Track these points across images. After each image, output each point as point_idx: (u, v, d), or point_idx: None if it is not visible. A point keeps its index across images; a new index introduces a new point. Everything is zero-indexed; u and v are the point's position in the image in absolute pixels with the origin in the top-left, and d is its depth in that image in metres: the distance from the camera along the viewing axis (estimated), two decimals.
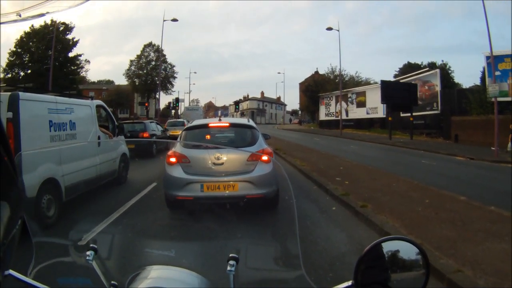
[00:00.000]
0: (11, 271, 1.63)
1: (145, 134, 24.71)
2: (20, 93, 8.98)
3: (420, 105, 42.95)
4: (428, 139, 39.01)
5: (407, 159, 23.99)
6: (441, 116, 40.30)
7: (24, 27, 58.72)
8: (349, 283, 1.67)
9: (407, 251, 1.69)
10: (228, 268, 1.93)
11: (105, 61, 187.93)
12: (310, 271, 5.27)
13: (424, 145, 32.20)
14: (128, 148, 15.01)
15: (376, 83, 60.85)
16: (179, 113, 79.47)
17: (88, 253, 2.03)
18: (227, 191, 8.90)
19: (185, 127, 10.94)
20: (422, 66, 66.77)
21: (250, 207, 9.27)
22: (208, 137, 10.20)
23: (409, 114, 41.26)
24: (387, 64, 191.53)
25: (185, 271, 2.09)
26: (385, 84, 44.25)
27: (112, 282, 2.00)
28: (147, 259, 4.19)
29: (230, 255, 1.99)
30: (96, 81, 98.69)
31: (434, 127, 40.77)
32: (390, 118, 42.10)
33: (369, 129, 54.71)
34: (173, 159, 9.26)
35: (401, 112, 45.08)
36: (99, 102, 13.61)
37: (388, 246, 1.70)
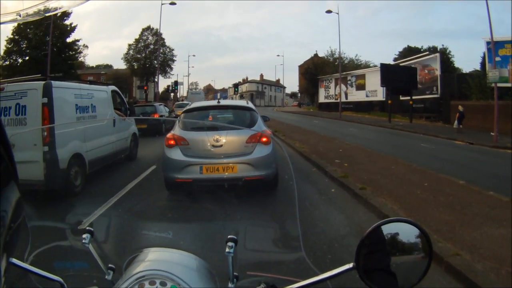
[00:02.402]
0: (12, 259, 1.59)
1: (156, 115, 27.39)
2: (53, 82, 10.50)
3: (420, 89, 42.79)
4: (427, 122, 38.94)
5: (407, 143, 23.98)
6: (441, 100, 40.18)
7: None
8: (350, 265, 1.63)
9: (409, 233, 1.66)
10: (227, 249, 1.87)
11: (103, 45, 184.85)
12: (309, 253, 5.23)
13: (424, 128, 32.12)
14: (141, 127, 17.51)
15: (375, 66, 60.51)
16: (178, 96, 79.50)
17: (84, 236, 2.00)
18: (226, 173, 8.93)
19: (183, 109, 11.02)
20: (422, 50, 66.32)
21: (250, 188, 9.22)
22: (210, 118, 10.32)
23: (408, 98, 41.16)
24: (387, 48, 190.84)
25: (183, 253, 2.08)
26: (384, 67, 44.09)
27: (109, 265, 2.02)
28: (144, 241, 4.01)
29: (229, 236, 1.93)
30: (94, 65, 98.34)
31: (433, 111, 40.65)
32: (389, 101, 42.06)
33: (368, 112, 54.72)
34: (172, 142, 9.30)
35: (400, 96, 44.88)
36: (114, 87, 15.19)
37: (390, 228, 1.66)
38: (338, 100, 57.65)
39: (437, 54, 44.85)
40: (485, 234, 6.70)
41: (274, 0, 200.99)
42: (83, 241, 1.98)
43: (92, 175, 11.55)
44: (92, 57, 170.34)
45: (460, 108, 30.84)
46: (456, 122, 30.54)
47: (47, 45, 50.97)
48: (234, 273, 1.88)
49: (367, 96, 59.25)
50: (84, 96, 12.01)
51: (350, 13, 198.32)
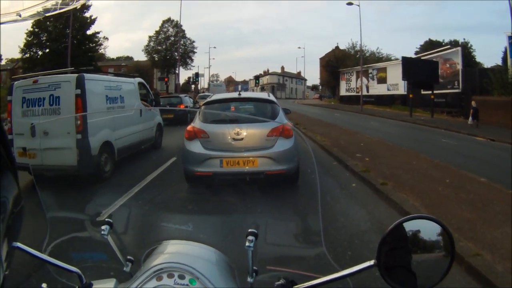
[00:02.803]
0: (19, 244, 1.62)
1: (182, 106, 29.45)
2: (85, 74, 11.33)
3: (441, 83, 42.34)
4: (449, 117, 38.54)
5: (428, 137, 23.81)
6: (462, 95, 39.58)
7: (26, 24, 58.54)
8: (371, 262, 1.62)
9: (432, 231, 1.63)
10: (247, 243, 1.86)
11: (125, 38, 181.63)
12: (329, 248, 4.89)
13: (445, 124, 31.82)
14: (168, 117, 18.09)
15: (397, 59, 60.05)
16: (199, 88, 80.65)
17: (103, 227, 2.02)
18: (246, 167, 8.82)
19: (204, 102, 11.10)
20: (443, 43, 65.59)
21: (271, 182, 9.08)
22: (232, 108, 10.24)
23: (430, 92, 40.59)
24: (408, 41, 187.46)
25: (202, 246, 2.07)
26: (406, 61, 43.82)
27: (128, 257, 2.03)
28: (163, 233, 4.16)
29: (249, 230, 1.91)
30: (115, 57, 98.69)
31: (455, 106, 40.16)
32: (411, 95, 41.75)
33: (389, 106, 54.26)
34: (192, 134, 9.22)
35: (422, 90, 44.41)
36: (140, 79, 16.05)
37: (412, 225, 1.63)
38: (360, 94, 57.45)
39: (459, 48, 44.38)
40: (506, 234, 6.61)
41: None
42: (102, 232, 2.01)
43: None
44: (113, 49, 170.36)
45: (473, 103, 31.09)
46: (470, 118, 30.45)
47: (67, 38, 51.47)
48: (254, 267, 1.87)
49: (388, 89, 58.74)
50: (113, 88, 12.77)
51: (371, 7, 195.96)
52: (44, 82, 11.09)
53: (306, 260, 3.36)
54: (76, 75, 11.15)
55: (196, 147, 9.07)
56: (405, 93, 51.00)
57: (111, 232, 2.04)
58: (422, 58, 48.68)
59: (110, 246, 2.02)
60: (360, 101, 53.44)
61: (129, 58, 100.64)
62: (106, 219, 2.06)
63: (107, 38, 71.15)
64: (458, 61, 42.41)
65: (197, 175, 9.09)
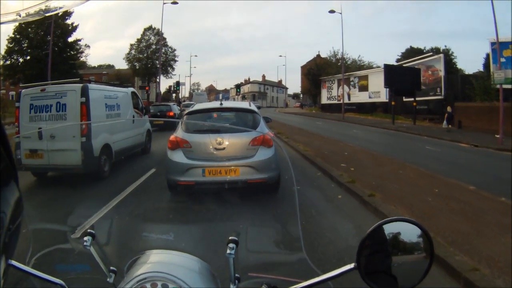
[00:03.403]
0: (11, 261, 1.56)
1: (171, 113, 32.18)
2: (88, 84, 12.80)
3: (423, 90, 42.30)
4: (431, 124, 38.50)
5: (412, 145, 23.69)
6: (445, 101, 39.28)
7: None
8: (351, 265, 1.64)
9: (411, 232, 1.67)
10: (228, 251, 1.85)
11: (106, 46, 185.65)
12: (318, 265, 5.05)
13: (428, 130, 31.83)
14: (158, 123, 23.21)
15: (378, 67, 60.20)
16: (180, 97, 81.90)
17: (85, 238, 1.99)
18: (228, 176, 8.98)
19: (186, 112, 11.18)
20: (425, 51, 66.06)
21: (251, 190, 9.31)
22: (215, 116, 10.66)
23: (412, 99, 40.54)
24: (390, 49, 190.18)
25: (184, 255, 2.06)
26: (388, 68, 43.42)
27: (111, 267, 1.98)
28: (146, 243, 3.71)
29: (230, 238, 1.90)
30: (96, 65, 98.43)
31: (437, 113, 39.78)
32: (393, 103, 41.52)
33: (371, 113, 54.22)
34: (174, 144, 9.36)
35: (404, 97, 44.42)
36: (133, 89, 17.62)
37: (391, 228, 1.66)
38: (341, 102, 57.51)
39: (441, 55, 44.36)
40: (502, 244, 6.32)
41: (277, 0, 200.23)
42: (85, 243, 1.97)
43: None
44: (95, 57, 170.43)
45: (449, 109, 33.36)
46: (445, 122, 32.82)
47: (48, 45, 50.94)
48: (236, 275, 1.87)
49: (370, 97, 58.56)
50: (111, 97, 14.22)
51: (353, 14, 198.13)
52: (51, 90, 12.33)
53: (288, 266, 3.74)
54: (81, 85, 12.46)
55: (178, 156, 9.24)
56: (387, 100, 50.87)
57: (94, 243, 2.02)
58: (404, 65, 48.59)
59: (93, 257, 1.99)
60: (341, 109, 53.47)
61: (110, 66, 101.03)
62: (88, 230, 2.04)
63: (88, 46, 71.05)
64: (441, 68, 42.41)
65: (180, 184, 9.27)
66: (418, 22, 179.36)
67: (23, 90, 12.73)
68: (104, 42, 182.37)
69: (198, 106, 11.32)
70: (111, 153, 13.31)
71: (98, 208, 8.09)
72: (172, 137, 9.55)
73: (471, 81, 36.59)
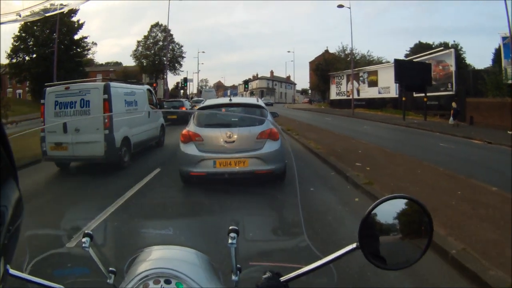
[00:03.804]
0: (10, 269, 1.56)
1: (183, 108, 34.10)
2: (110, 83, 13.94)
3: (434, 86, 41.64)
4: (442, 120, 37.80)
5: (425, 142, 23.16)
6: (456, 97, 38.24)
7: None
8: (354, 245, 1.64)
9: (410, 210, 1.66)
10: (230, 241, 1.83)
11: (113, 43, 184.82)
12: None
13: (439, 127, 31.25)
14: (172, 118, 23.32)
15: (388, 62, 59.60)
16: (188, 93, 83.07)
17: (83, 240, 1.92)
18: (238, 167, 9.63)
19: (198, 107, 12.71)
20: (433, 46, 65.52)
21: (257, 181, 9.98)
22: (223, 110, 11.35)
23: (422, 95, 40.01)
24: (397, 45, 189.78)
25: (184, 249, 2.05)
26: (398, 63, 42.85)
27: (110, 268, 1.93)
28: (144, 240, 4.20)
29: (230, 227, 1.87)
30: (104, 63, 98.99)
31: (448, 108, 38.85)
32: (404, 98, 41.00)
33: (381, 109, 53.37)
34: (187, 137, 10.04)
35: (414, 92, 43.86)
36: (148, 86, 19.64)
37: (391, 206, 1.65)
38: (350, 97, 57.13)
39: (452, 50, 43.92)
40: None
41: None
42: (83, 245, 1.91)
43: (90, 177, 12.94)
44: (102, 54, 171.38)
45: (454, 104, 33.01)
46: (451, 118, 32.62)
47: (54, 43, 50.86)
48: (237, 265, 1.84)
49: (379, 92, 57.97)
50: (129, 94, 15.54)
51: (360, 11, 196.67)
52: (75, 88, 13.57)
53: (288, 252, 3.62)
54: (103, 83, 13.68)
55: (191, 149, 9.90)
56: (397, 96, 50.76)
57: (92, 244, 1.95)
58: (414, 60, 47.88)
59: (92, 259, 1.93)
60: (351, 105, 53.02)
61: (117, 64, 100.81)
62: (86, 231, 1.97)
63: (95, 43, 71.55)
64: (451, 63, 41.90)
65: (192, 175, 9.89)
66: (423, 19, 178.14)
67: (47, 88, 13.80)
68: (110, 39, 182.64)
69: (209, 102, 12.33)
70: (130, 145, 14.40)
71: (96, 211, 7.88)
72: (184, 131, 10.22)
73: (483, 76, 35.73)
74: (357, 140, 20.93)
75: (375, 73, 59.96)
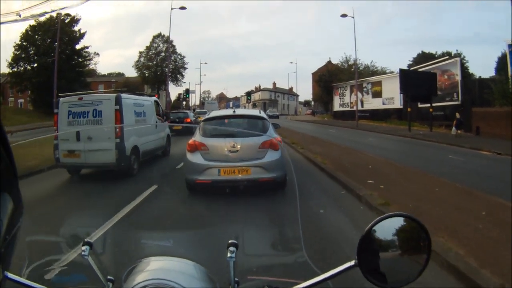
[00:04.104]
0: (7, 273, 1.55)
1: (188, 119, 35.76)
2: (122, 94, 14.84)
3: (439, 95, 40.76)
4: (447, 131, 36.57)
5: (434, 154, 22.48)
6: (462, 107, 37.46)
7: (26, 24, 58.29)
8: (352, 262, 1.66)
9: (409, 228, 1.68)
10: (229, 254, 1.84)
11: (116, 54, 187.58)
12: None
13: (446, 138, 30.54)
14: (177, 129, 26.20)
15: (392, 72, 59.00)
16: (190, 105, 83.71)
17: (83, 248, 1.91)
18: (241, 175, 10.18)
19: (203, 119, 13.33)
20: (436, 55, 65.06)
21: (260, 189, 10.46)
22: (226, 121, 12.13)
23: (427, 105, 39.32)
24: (399, 55, 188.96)
25: (183, 260, 2.02)
26: (404, 73, 42.14)
27: (108, 277, 1.91)
28: (144, 251, 4.19)
29: (230, 241, 1.88)
30: (106, 73, 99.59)
31: (454, 119, 38.28)
32: (409, 109, 40.18)
33: (385, 121, 52.78)
34: (193, 147, 10.60)
35: (419, 103, 43.05)
36: (155, 98, 20.82)
37: (390, 224, 1.68)
38: (354, 108, 56.75)
39: (457, 58, 43.07)
40: None
41: (286, 8, 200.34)
42: (83, 253, 1.91)
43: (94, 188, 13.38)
44: (105, 65, 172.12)
45: (457, 115, 32.89)
46: (454, 128, 32.54)
47: (55, 52, 50.71)
48: (235, 279, 1.86)
49: (383, 103, 57.39)
50: (139, 105, 16.30)
51: (362, 21, 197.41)
52: (88, 99, 14.32)
53: (287, 267, 3.63)
54: (115, 94, 14.50)
55: (197, 158, 10.47)
56: (401, 107, 50.58)
57: (91, 252, 1.95)
58: (419, 70, 47.16)
59: (90, 266, 1.91)
60: (354, 116, 52.49)
61: (120, 75, 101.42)
62: (86, 240, 1.98)
63: (98, 54, 71.40)
64: (457, 72, 41.18)
65: (198, 183, 10.47)
66: (425, 29, 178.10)
67: (61, 99, 14.57)
68: (114, 50, 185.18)
69: (214, 113, 12.94)
70: (139, 154, 15.19)
71: (99, 220, 7.93)
72: (191, 141, 10.80)
73: (489, 85, 35.31)
74: (364, 153, 20.19)
75: (379, 83, 59.30)
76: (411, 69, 51.49)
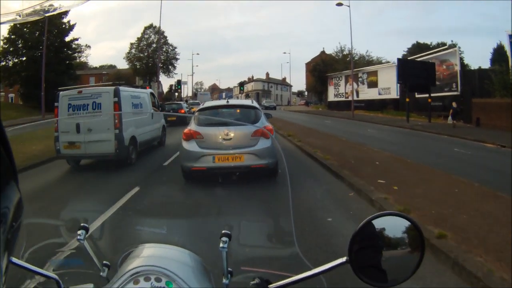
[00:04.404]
0: (12, 258, 1.53)
1: (182, 111, 36.24)
2: (120, 87, 15.38)
3: (438, 86, 39.75)
4: (445, 121, 36.03)
5: (438, 147, 21.39)
6: (461, 97, 36.95)
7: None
8: (343, 259, 1.64)
9: (402, 227, 1.64)
10: (221, 245, 1.84)
11: (109, 46, 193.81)
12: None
13: (445, 129, 29.93)
14: (172, 120, 26.62)
15: (388, 62, 58.01)
16: (182, 96, 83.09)
17: (79, 232, 1.98)
18: (235, 162, 10.62)
19: (198, 108, 14.00)
20: (431, 46, 64.58)
21: (246, 184, 10.68)
22: (220, 111, 12.54)
23: (425, 95, 38.53)
24: (394, 45, 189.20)
25: (177, 248, 2.07)
26: (402, 63, 41.00)
27: (104, 261, 2.01)
28: (139, 237, 3.97)
29: (223, 231, 1.88)
30: (98, 66, 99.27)
31: (459, 110, 37.21)
32: (407, 99, 38.97)
33: (381, 111, 51.75)
34: (189, 136, 11.01)
35: (416, 93, 42.22)
36: (151, 90, 21.16)
37: (383, 222, 1.64)
38: (349, 99, 56.15)
39: (456, 48, 42.15)
40: None
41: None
42: (78, 237, 1.97)
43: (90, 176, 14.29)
44: (97, 58, 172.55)
45: (454, 104, 33.14)
46: (450, 117, 33.01)
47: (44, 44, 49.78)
48: (229, 269, 1.88)
49: (379, 94, 56.14)
50: (136, 97, 17.01)
51: (356, 11, 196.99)
52: (87, 92, 14.94)
53: (280, 260, 3.58)
54: (113, 87, 15.17)
55: (192, 146, 10.87)
56: (398, 97, 49.79)
57: (87, 237, 2.01)
58: (417, 59, 45.89)
59: (87, 251, 1.99)
60: (349, 106, 51.65)
61: (112, 67, 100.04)
62: (82, 224, 2.02)
63: (89, 46, 70.95)
64: (456, 62, 40.28)
65: (193, 170, 10.88)
66: (420, 19, 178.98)
67: (61, 92, 15.04)
68: (106, 42, 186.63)
69: (208, 104, 13.52)
70: (137, 144, 15.85)
71: (97, 206, 7.95)
72: (186, 130, 11.24)
73: (490, 76, 34.34)
74: (367, 147, 19.00)
75: (375, 73, 58.11)
76: (409, 58, 50.31)
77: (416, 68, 39.64)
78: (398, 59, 42.98)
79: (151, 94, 19.98)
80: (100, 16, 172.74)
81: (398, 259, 1.61)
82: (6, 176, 1.08)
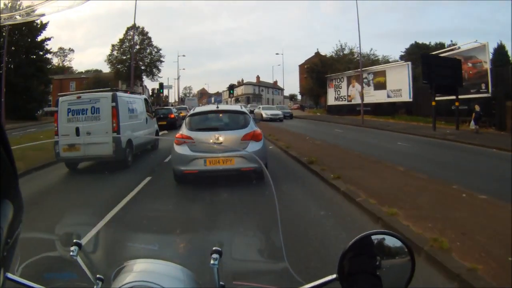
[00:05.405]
0: (8, 274, 1.64)
1: (172, 115, 37.73)
2: (117, 93, 16.78)
3: (464, 86, 33.73)
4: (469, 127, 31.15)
5: (493, 166, 16.54)
6: (493, 100, 32.29)
7: None
8: (333, 276, 1.67)
9: (392, 245, 1.66)
10: (212, 261, 1.90)
11: (98, 52, 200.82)
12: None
13: (485, 139, 24.75)
14: (162, 124, 29.51)
15: (396, 61, 52.43)
16: (170, 101, 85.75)
17: (72, 248, 1.99)
18: (225, 165, 11.09)
19: (189, 113, 13.63)
20: (430, 46, 60.90)
21: (238, 196, 10.21)
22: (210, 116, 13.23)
23: (446, 98, 33.77)
24: (390, 46, 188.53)
25: (169, 264, 2.04)
26: (427, 59, 34.69)
27: (98, 275, 2.01)
28: (132, 252, 3.73)
29: (213, 248, 1.96)
30: (83, 71, 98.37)
31: (482, 114, 31.58)
32: (433, 103, 32.48)
33: (392, 116, 45.95)
34: (180, 140, 11.62)
35: (436, 95, 34.95)
36: (145, 96, 24.30)
37: (371, 241, 1.67)
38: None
39: (486, 43, 35.75)
40: None
41: (268, 3, 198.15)
42: (71, 253, 1.99)
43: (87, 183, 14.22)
44: (86, 63, 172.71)
45: (477, 107, 30.31)
46: (472, 122, 30.30)
47: (13, 45, 45.12)
48: (221, 283, 1.91)
49: (388, 96, 50.41)
50: (132, 102, 18.15)
51: (344, 17, 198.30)
52: (86, 97, 15.97)
53: (271, 275, 3.55)
54: (111, 93, 16.29)
55: (184, 150, 11.40)
56: (410, 100, 45.18)
57: (80, 252, 2.04)
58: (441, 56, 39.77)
59: (80, 266, 2.02)
60: (352, 111, 49.42)
61: (98, 71, 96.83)
62: (75, 240, 2.05)
63: (72, 50, 66.29)
64: (485, 59, 34.66)
65: (185, 173, 11.36)
66: (414, 21, 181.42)
67: (60, 98, 16.17)
68: (95, 48, 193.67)
69: (199, 109, 13.80)
70: (133, 147, 16.83)
71: (92, 218, 7.23)
72: (178, 134, 12.27)
73: None
74: (420, 175, 12.53)
75: (382, 73, 52.26)
76: (433, 53, 44.10)
77: (442, 66, 33.53)
78: (422, 55, 37.80)
79: (145, 99, 21.29)
80: (88, 22, 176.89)
81: (387, 277, 1.60)
82: (5, 184, 1.07)
